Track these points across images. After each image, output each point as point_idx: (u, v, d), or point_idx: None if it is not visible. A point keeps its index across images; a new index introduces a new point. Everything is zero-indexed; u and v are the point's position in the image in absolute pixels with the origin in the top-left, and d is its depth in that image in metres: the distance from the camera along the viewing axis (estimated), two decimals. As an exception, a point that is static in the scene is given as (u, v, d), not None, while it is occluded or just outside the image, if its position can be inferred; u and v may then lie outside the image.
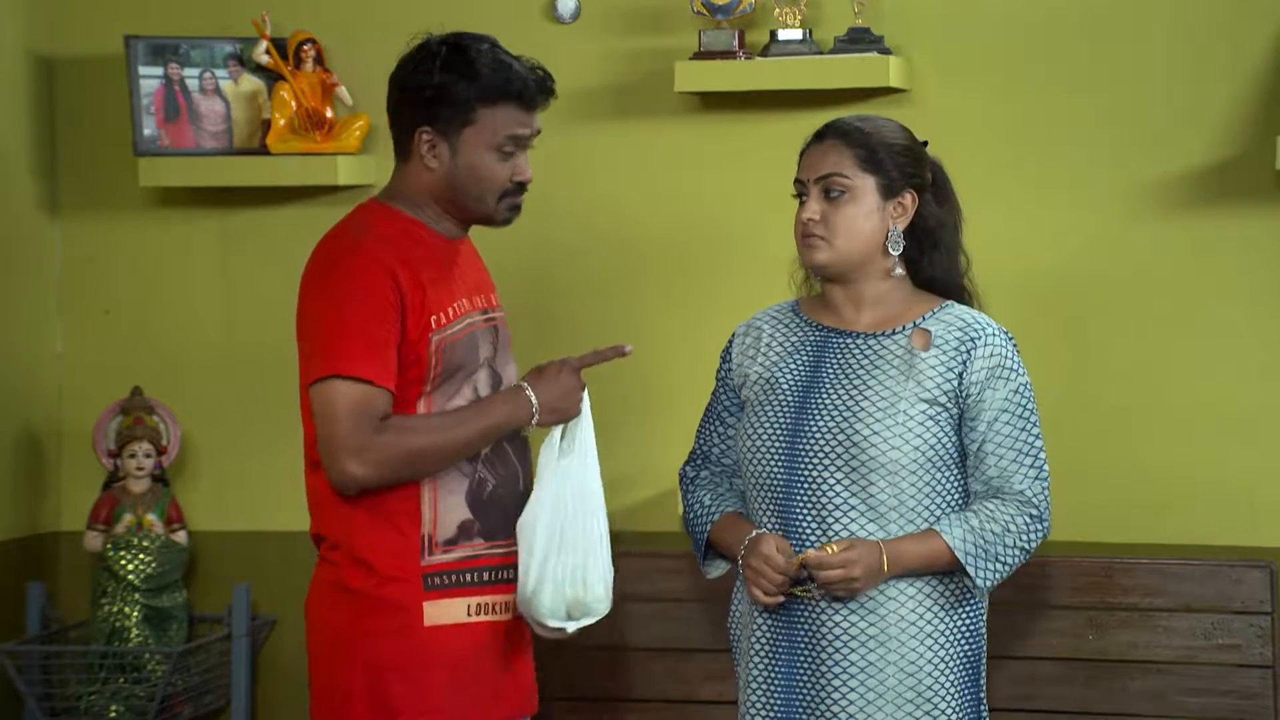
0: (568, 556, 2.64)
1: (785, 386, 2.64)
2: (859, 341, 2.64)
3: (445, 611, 2.63)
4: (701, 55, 3.36)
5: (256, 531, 3.68)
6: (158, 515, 3.63)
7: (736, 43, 3.34)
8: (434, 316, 2.63)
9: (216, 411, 3.70)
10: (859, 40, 3.30)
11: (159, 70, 3.61)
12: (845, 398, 2.60)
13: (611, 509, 3.40)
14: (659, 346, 3.44)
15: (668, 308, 3.45)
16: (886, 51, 3.30)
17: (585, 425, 2.71)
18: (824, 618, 2.59)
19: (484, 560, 2.67)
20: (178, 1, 3.67)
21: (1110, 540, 3.28)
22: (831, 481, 2.58)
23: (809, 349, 2.66)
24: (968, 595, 2.63)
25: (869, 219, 2.61)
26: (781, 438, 2.61)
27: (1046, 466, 2.64)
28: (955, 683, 2.61)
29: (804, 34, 3.33)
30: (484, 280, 2.78)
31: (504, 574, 2.67)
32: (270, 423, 3.64)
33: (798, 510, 2.59)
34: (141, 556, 3.58)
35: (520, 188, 2.71)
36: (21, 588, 3.63)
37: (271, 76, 3.61)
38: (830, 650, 2.58)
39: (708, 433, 2.76)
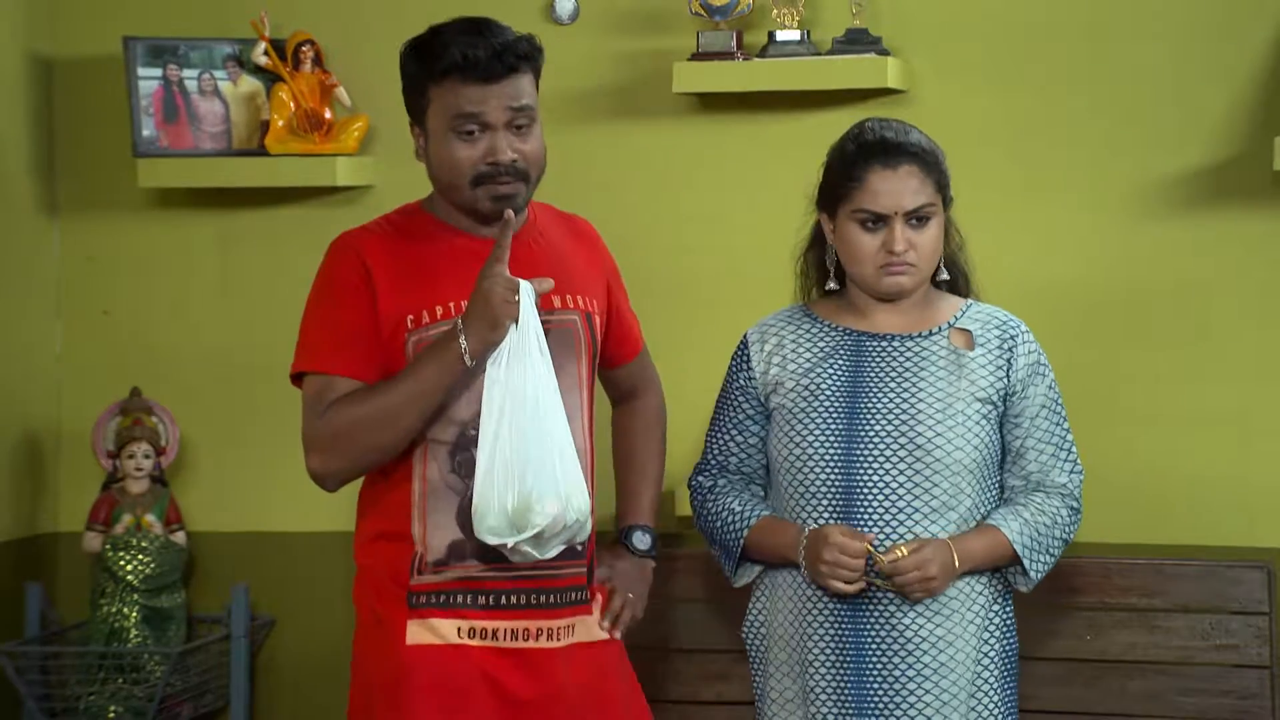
0: (504, 467, 2.45)
1: (828, 392, 2.65)
2: (899, 344, 2.66)
3: (430, 631, 2.54)
4: (700, 56, 3.36)
5: (255, 532, 3.68)
6: (157, 516, 3.63)
7: (735, 43, 3.34)
8: (410, 315, 2.51)
9: (215, 412, 3.70)
10: (857, 41, 3.30)
11: (158, 71, 3.61)
12: (900, 400, 2.63)
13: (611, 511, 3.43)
14: (660, 347, 3.43)
15: (668, 308, 3.45)
16: (885, 52, 3.30)
17: (524, 326, 2.46)
18: (895, 620, 2.61)
19: (480, 583, 2.55)
20: (176, 3, 3.67)
21: (1108, 541, 3.28)
22: (895, 484, 2.60)
23: (845, 353, 2.67)
24: (1009, 590, 2.69)
25: (940, 237, 2.66)
26: (837, 443, 2.62)
27: (1079, 459, 2.69)
28: (1000, 677, 2.67)
29: (802, 35, 3.33)
30: (549, 277, 2.54)
31: (511, 599, 2.55)
32: (269, 423, 3.64)
33: (861, 514, 2.60)
34: (140, 557, 3.58)
35: (498, 170, 2.51)
36: (20, 588, 3.63)
37: (270, 77, 3.62)
38: (904, 653, 2.60)
39: (723, 441, 2.75)
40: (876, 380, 2.63)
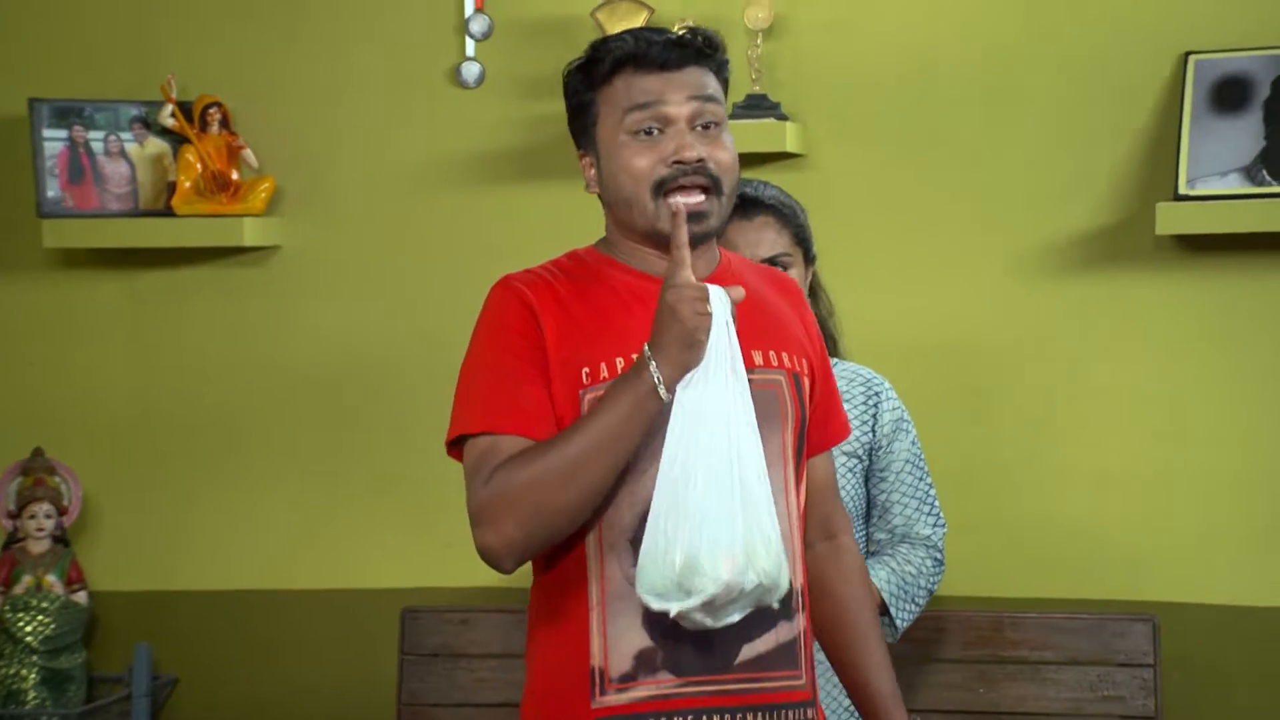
0: (678, 512, 1.95)
1: None
2: None
3: None
4: (603, 121, 3.42)
5: (159, 591, 3.67)
6: (58, 575, 3.61)
7: (637, 109, 3.41)
8: (585, 369, 2.04)
9: (120, 471, 3.69)
10: (756, 106, 3.38)
11: (63, 132, 3.62)
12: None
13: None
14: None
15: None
16: (783, 118, 3.38)
17: (715, 336, 1.97)
18: None
19: (678, 702, 2.02)
20: (83, 64, 3.69)
21: (1001, 595, 3.35)
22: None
23: None
24: None
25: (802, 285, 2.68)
26: None
27: (942, 513, 2.77)
28: None
29: (703, 101, 3.40)
30: (744, 330, 2.05)
31: None
32: (174, 482, 3.64)
33: None
34: (40, 618, 3.56)
35: (684, 171, 2.04)
36: (-82, 649, 3.60)
37: (177, 139, 3.64)
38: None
39: None
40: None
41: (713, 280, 2.08)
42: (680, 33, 2.10)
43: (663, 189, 2.05)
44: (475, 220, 3.56)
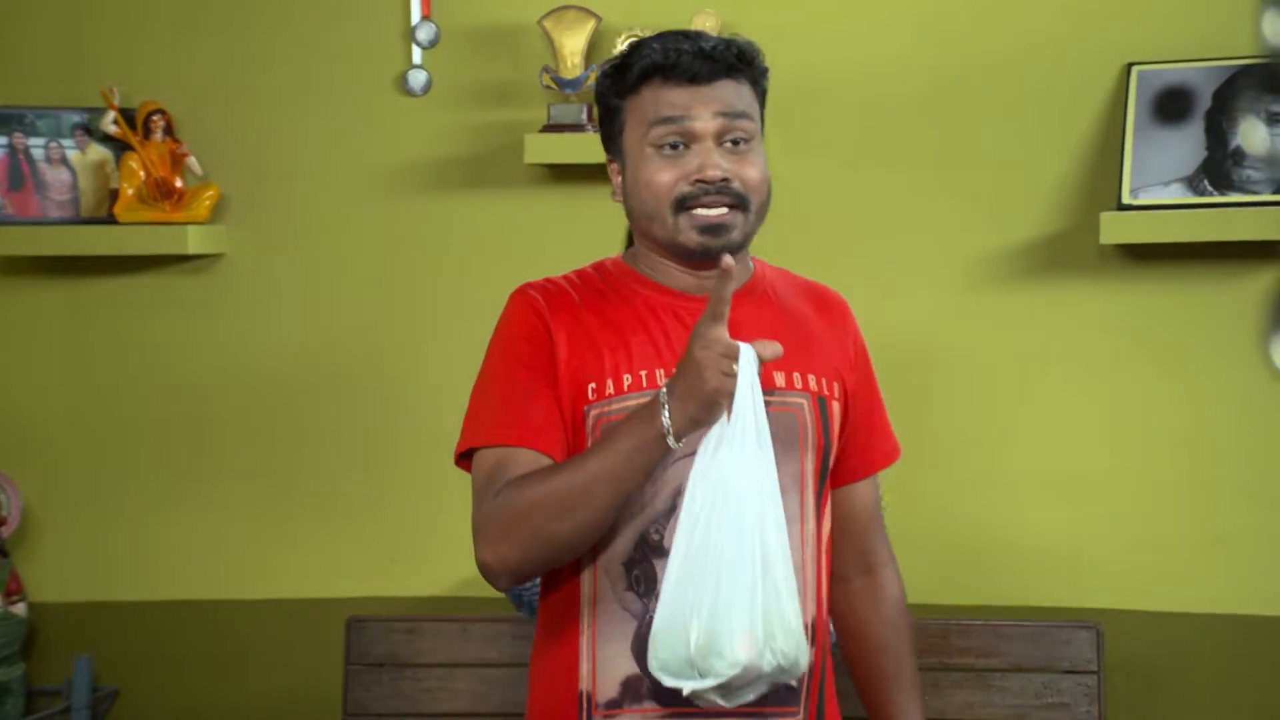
0: (694, 589, 1.87)
1: None
2: None
3: None
4: (550, 128, 3.43)
5: (99, 602, 3.63)
6: (-4, 587, 3.57)
7: (585, 116, 3.42)
8: (591, 384, 1.99)
9: (60, 481, 3.65)
10: (704, 116, 3.39)
11: (3, 139, 3.59)
12: None
13: (460, 576, 3.43)
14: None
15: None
16: (731, 127, 3.39)
17: (740, 402, 1.86)
18: None
19: None
20: (24, 71, 3.66)
21: (947, 602, 3.36)
22: None
23: None
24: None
25: None
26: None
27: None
28: None
29: (651, 109, 3.41)
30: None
31: None
32: (115, 492, 3.60)
33: None
34: (-23, 630, 3.51)
35: (706, 189, 1.98)
36: None
37: (119, 146, 3.61)
38: None
39: None
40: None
41: (744, 292, 2.04)
42: (713, 43, 2.02)
43: (684, 206, 2.00)
44: (421, 229, 3.55)
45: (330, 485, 3.57)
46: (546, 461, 1.97)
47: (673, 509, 1.96)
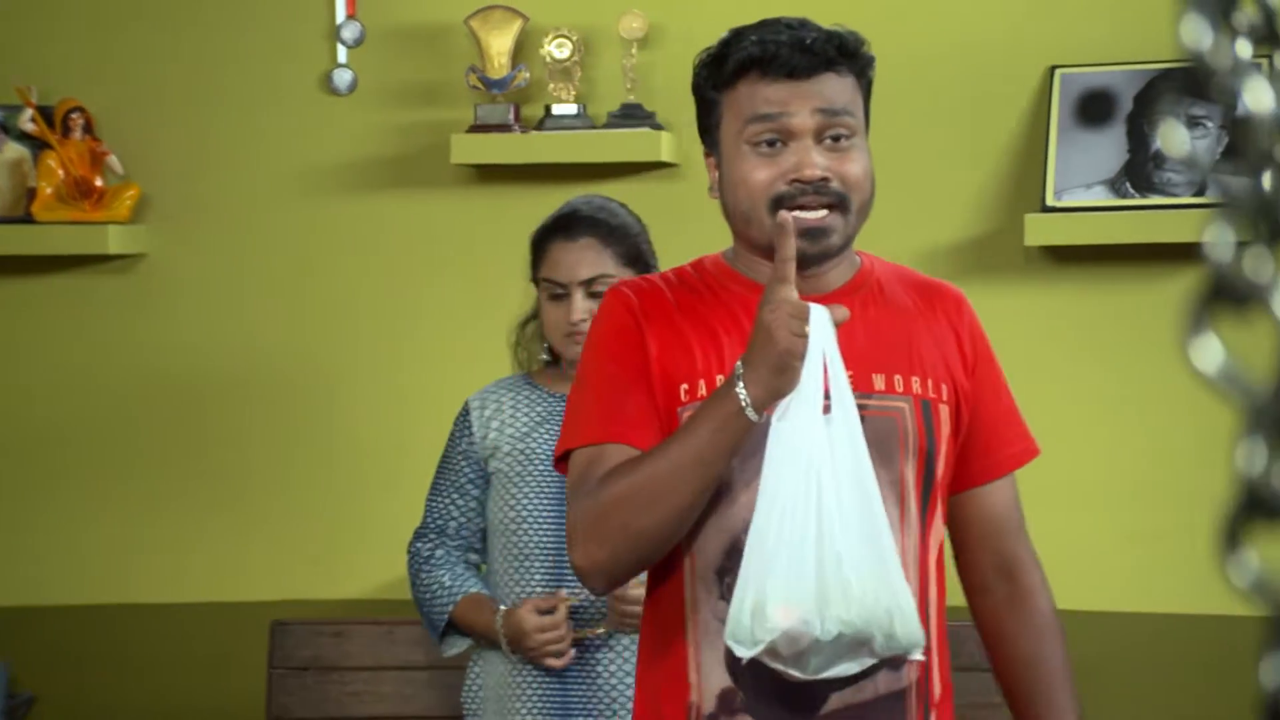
0: (764, 553, 1.83)
1: (543, 456, 2.66)
2: None
3: None
4: (477, 128, 3.41)
5: (15, 607, 3.57)
6: (-89, 592, 3.52)
7: (512, 116, 3.41)
8: (684, 385, 1.93)
9: (-24, 484, 3.60)
10: (631, 116, 3.39)
11: (-81, 137, 3.54)
12: None
13: (386, 578, 3.41)
14: (433, 413, 3.46)
15: (442, 373, 3.47)
16: (658, 127, 3.39)
17: (810, 363, 1.83)
18: (600, 677, 2.62)
19: None
20: (-60, 68, 3.61)
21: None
22: None
23: (559, 419, 2.68)
24: None
25: None
26: (549, 507, 2.64)
27: None
28: None
29: (578, 109, 3.41)
30: (867, 351, 1.94)
31: None
32: (31, 496, 3.56)
33: (573, 577, 2.61)
34: (-108, 636, 3.46)
35: (802, 190, 1.91)
36: None
37: (37, 144, 3.56)
38: (610, 711, 2.62)
39: (444, 505, 2.74)
40: None
41: (847, 291, 1.97)
42: (814, 35, 1.93)
43: (780, 205, 1.91)
44: (346, 229, 3.53)
45: (253, 487, 3.54)
46: (626, 453, 1.91)
47: None
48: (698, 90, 2.00)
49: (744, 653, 1.83)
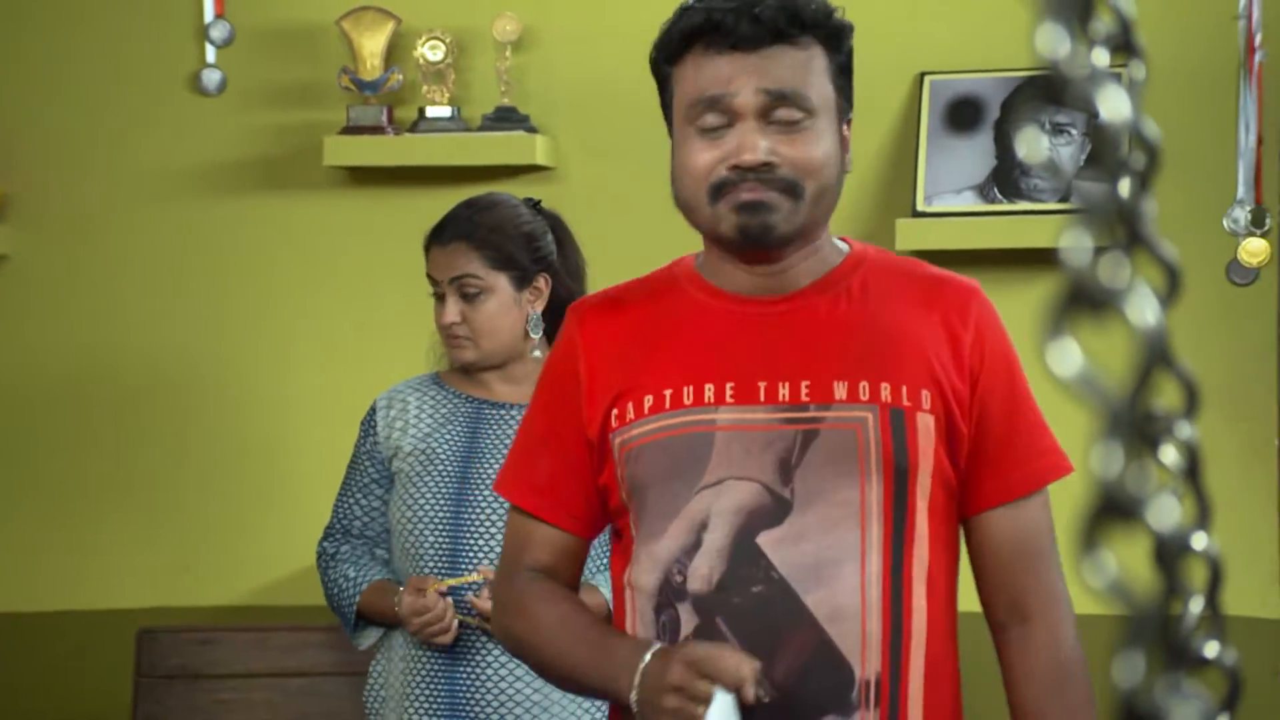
0: None
1: (443, 457, 2.66)
2: (515, 413, 2.69)
3: None
4: (350, 130, 3.39)
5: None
6: None
7: (385, 118, 3.38)
8: (614, 410, 1.79)
9: None
10: (506, 119, 3.38)
11: None
12: None
13: (257, 584, 3.37)
14: (305, 417, 3.43)
15: (315, 377, 3.44)
16: (533, 130, 3.39)
17: None
18: (490, 671, 2.62)
19: None
20: None
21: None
22: (498, 549, 2.61)
23: (462, 420, 2.69)
24: None
25: (508, 314, 2.65)
26: (445, 508, 2.64)
27: None
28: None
29: (452, 111, 3.39)
30: (830, 357, 1.76)
31: None
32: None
33: (464, 569, 2.63)
34: None
35: (743, 177, 1.72)
36: None
37: (-103, 142, 3.48)
38: (499, 704, 2.61)
39: (348, 504, 2.75)
40: (489, 449, 2.66)
41: (815, 290, 1.78)
42: (764, 4, 1.72)
43: (721, 193, 1.75)
44: (216, 231, 3.48)
45: (120, 492, 3.48)
46: (561, 542, 1.85)
47: (695, 545, 1.75)
48: (653, 67, 1.83)
49: None
